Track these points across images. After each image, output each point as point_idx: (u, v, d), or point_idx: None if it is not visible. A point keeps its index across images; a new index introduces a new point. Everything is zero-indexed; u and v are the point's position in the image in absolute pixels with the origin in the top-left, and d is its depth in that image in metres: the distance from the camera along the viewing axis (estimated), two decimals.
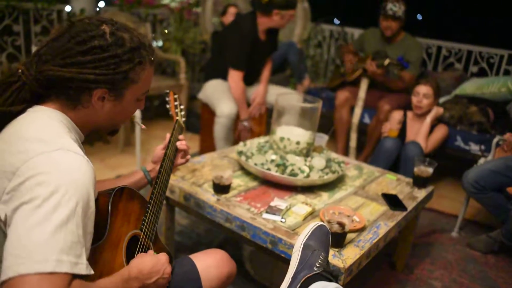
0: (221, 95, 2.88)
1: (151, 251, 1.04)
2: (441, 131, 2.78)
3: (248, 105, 2.97)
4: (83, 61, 0.90)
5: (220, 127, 2.82)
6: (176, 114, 1.49)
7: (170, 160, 1.31)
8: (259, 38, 2.86)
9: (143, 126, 1.33)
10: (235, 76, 2.81)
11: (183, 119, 1.52)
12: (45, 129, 0.88)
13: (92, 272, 0.82)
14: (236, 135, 2.94)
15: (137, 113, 2.80)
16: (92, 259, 0.87)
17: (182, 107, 1.52)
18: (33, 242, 0.74)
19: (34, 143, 0.84)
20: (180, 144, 1.38)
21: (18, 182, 0.79)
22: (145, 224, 1.06)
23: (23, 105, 0.93)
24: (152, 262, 0.96)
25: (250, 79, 3.05)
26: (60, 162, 0.82)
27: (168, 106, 1.52)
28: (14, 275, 0.72)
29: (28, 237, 0.74)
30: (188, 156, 1.42)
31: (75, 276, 0.77)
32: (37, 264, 0.72)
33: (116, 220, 0.99)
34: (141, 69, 0.98)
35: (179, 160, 1.40)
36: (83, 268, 0.79)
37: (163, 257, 1.01)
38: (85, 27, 0.92)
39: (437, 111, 2.70)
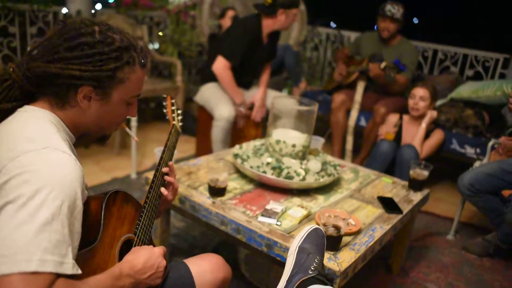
0: (219, 98, 2.86)
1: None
2: (436, 137, 2.78)
3: (250, 108, 2.96)
4: (69, 57, 0.89)
5: (218, 130, 2.81)
6: (173, 118, 1.49)
7: (166, 164, 1.30)
8: (262, 40, 2.86)
9: (135, 138, 1.30)
10: (220, 64, 2.75)
11: (180, 123, 1.52)
12: (34, 129, 0.88)
13: (79, 271, 0.80)
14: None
15: (133, 118, 2.79)
16: (84, 262, 0.86)
17: (179, 111, 1.53)
18: (16, 241, 0.73)
19: (22, 142, 0.83)
20: (168, 178, 1.28)
21: (3, 180, 0.78)
22: (139, 228, 1.05)
23: (13, 103, 0.93)
24: (145, 256, 0.95)
25: (247, 82, 3.05)
26: (46, 160, 0.81)
27: (165, 110, 1.52)
28: None
29: (12, 236, 0.73)
30: (176, 187, 1.31)
31: (59, 276, 0.76)
32: (19, 264, 0.72)
33: (110, 223, 0.98)
34: (130, 70, 0.96)
35: (166, 193, 1.27)
36: (69, 267, 0.78)
37: (157, 250, 0.99)
38: (75, 26, 0.93)
39: (431, 115, 2.70)
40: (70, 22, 0.95)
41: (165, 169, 1.28)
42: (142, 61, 0.99)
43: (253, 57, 2.84)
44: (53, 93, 0.93)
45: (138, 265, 0.92)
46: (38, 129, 0.88)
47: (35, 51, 0.93)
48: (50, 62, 0.90)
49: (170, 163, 1.29)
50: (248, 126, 3.01)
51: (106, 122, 1.01)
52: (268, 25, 2.81)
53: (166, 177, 1.27)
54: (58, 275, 0.76)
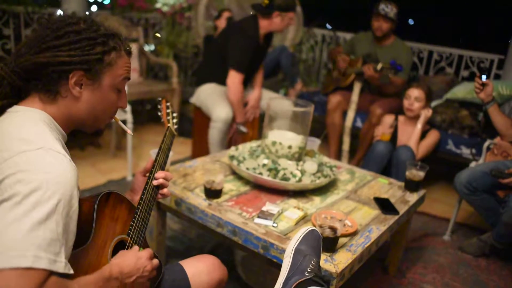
0: (217, 100, 2.86)
1: (136, 247, 1.01)
2: (432, 137, 2.79)
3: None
4: (57, 45, 0.91)
5: (215, 132, 2.80)
6: (168, 121, 1.48)
7: (160, 167, 1.29)
8: (259, 42, 2.87)
9: (129, 131, 1.29)
10: (236, 78, 2.77)
11: (175, 126, 1.51)
12: (26, 129, 0.87)
13: (71, 271, 0.80)
14: (228, 138, 2.92)
15: (129, 118, 2.79)
16: (76, 262, 0.86)
17: (174, 114, 1.52)
18: (10, 237, 0.73)
19: (16, 142, 0.84)
20: (156, 182, 1.21)
21: None
22: (133, 229, 1.05)
23: (3, 101, 0.93)
24: (133, 261, 0.95)
25: (244, 83, 3.05)
26: (41, 160, 0.82)
27: (160, 113, 1.52)
28: None
29: (6, 233, 0.74)
30: (166, 191, 1.26)
31: (52, 274, 0.76)
32: (13, 259, 0.72)
33: (102, 224, 0.98)
34: (117, 55, 0.99)
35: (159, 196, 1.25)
36: (61, 266, 0.78)
37: (144, 254, 0.99)
38: (61, 18, 0.96)
39: (425, 114, 2.70)
40: (54, 18, 0.98)
41: (160, 174, 1.23)
42: (128, 48, 1.02)
43: (251, 60, 2.84)
44: (44, 85, 0.93)
45: (126, 268, 0.92)
46: (31, 129, 0.88)
47: (22, 49, 0.94)
48: (39, 52, 0.91)
49: (160, 174, 1.23)
50: (248, 128, 3.01)
51: (99, 110, 1.01)
52: (264, 26, 2.81)
53: (159, 181, 1.21)
54: (51, 273, 0.76)
